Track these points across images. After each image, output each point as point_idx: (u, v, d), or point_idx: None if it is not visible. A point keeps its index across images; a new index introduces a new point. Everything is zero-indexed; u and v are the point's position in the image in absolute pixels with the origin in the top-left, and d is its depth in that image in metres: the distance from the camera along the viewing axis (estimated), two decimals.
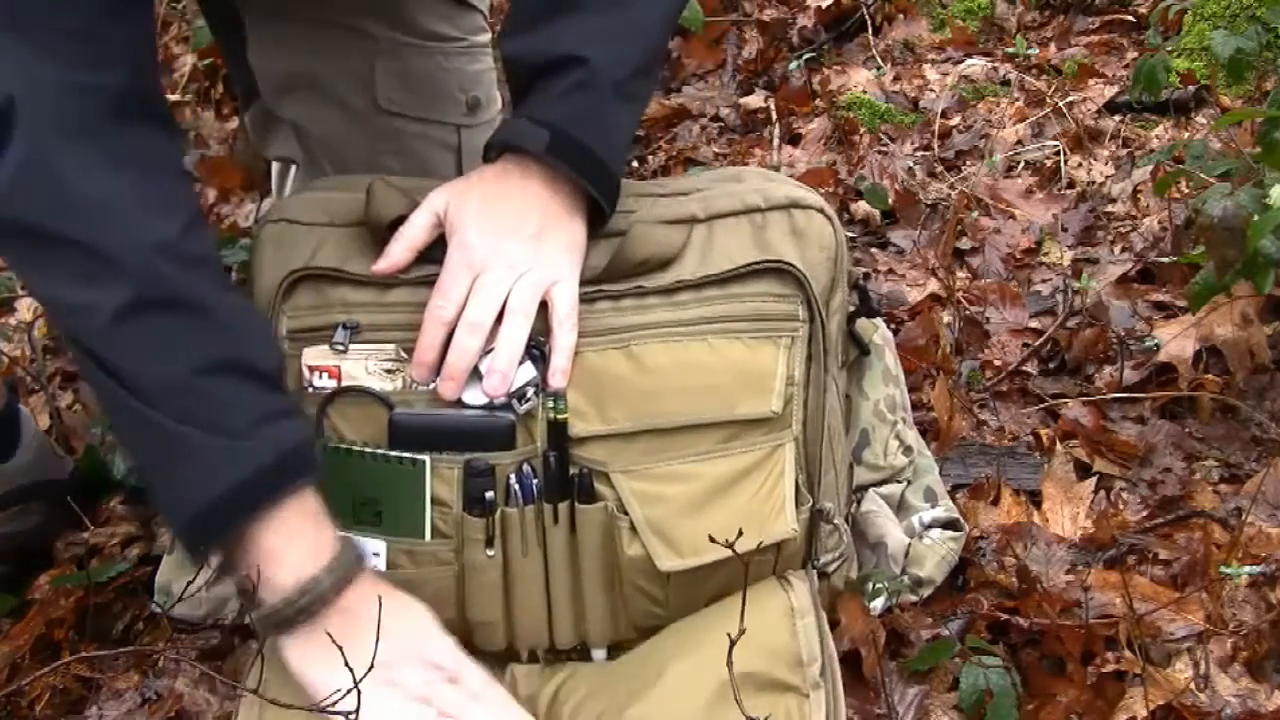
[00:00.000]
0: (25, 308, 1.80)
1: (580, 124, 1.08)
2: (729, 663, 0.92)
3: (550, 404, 1.07)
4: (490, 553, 1.08)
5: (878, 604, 1.17)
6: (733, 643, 0.92)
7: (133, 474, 1.40)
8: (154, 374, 0.96)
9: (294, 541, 1.00)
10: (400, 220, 1.10)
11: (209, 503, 0.98)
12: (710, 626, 1.07)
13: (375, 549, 1.09)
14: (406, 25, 1.34)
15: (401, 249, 1.08)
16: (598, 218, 1.12)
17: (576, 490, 1.08)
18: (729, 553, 1.01)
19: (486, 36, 1.42)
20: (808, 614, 1.06)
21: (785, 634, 1.04)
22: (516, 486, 1.08)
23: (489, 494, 1.07)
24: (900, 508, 1.25)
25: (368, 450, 1.08)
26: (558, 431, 1.08)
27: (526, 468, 1.08)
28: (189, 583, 1.18)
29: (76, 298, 0.95)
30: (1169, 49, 2.17)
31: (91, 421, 1.51)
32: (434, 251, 1.10)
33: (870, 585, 1.17)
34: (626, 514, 1.07)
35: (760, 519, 1.08)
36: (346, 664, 0.91)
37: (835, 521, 1.14)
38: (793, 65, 2.47)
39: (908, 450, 1.26)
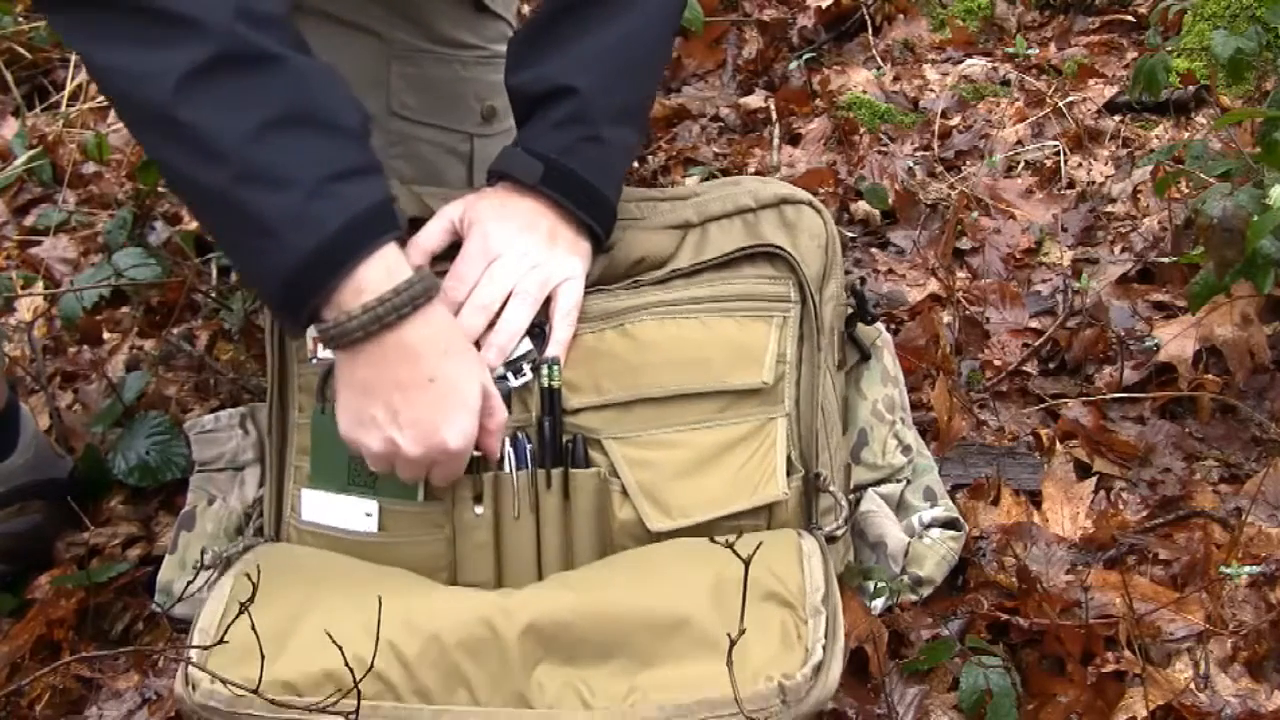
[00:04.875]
0: (25, 308, 1.80)
1: (573, 155, 1.12)
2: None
3: (545, 370, 1.10)
4: (479, 510, 1.09)
5: (878, 604, 1.17)
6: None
7: (133, 473, 1.40)
8: (223, 127, 0.95)
9: (366, 288, 0.99)
10: (411, 221, 1.12)
11: (283, 280, 0.98)
12: (711, 544, 1.07)
13: (368, 510, 1.10)
14: (425, 31, 1.34)
15: (417, 255, 1.12)
16: (596, 241, 1.15)
17: (570, 456, 1.10)
18: (718, 514, 1.02)
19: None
20: (815, 555, 1.07)
21: (793, 565, 1.05)
22: (511, 452, 1.10)
23: (477, 451, 1.08)
24: (899, 507, 1.25)
25: None
26: (551, 398, 1.10)
27: (521, 435, 1.10)
28: (189, 583, 1.18)
29: (146, 61, 0.95)
30: (1169, 49, 2.16)
31: (92, 421, 1.50)
32: (447, 253, 1.14)
33: (870, 585, 1.18)
34: (618, 478, 1.09)
35: (751, 483, 1.10)
36: (346, 664, 0.91)
37: (831, 490, 1.15)
38: (793, 65, 2.46)
39: (906, 450, 1.27)
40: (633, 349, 1.13)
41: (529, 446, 1.11)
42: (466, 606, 1.01)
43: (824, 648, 0.98)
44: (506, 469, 1.10)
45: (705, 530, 1.07)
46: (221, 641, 0.98)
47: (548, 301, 1.12)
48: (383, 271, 1.00)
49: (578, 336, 1.13)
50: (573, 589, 1.04)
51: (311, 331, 1.12)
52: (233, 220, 0.99)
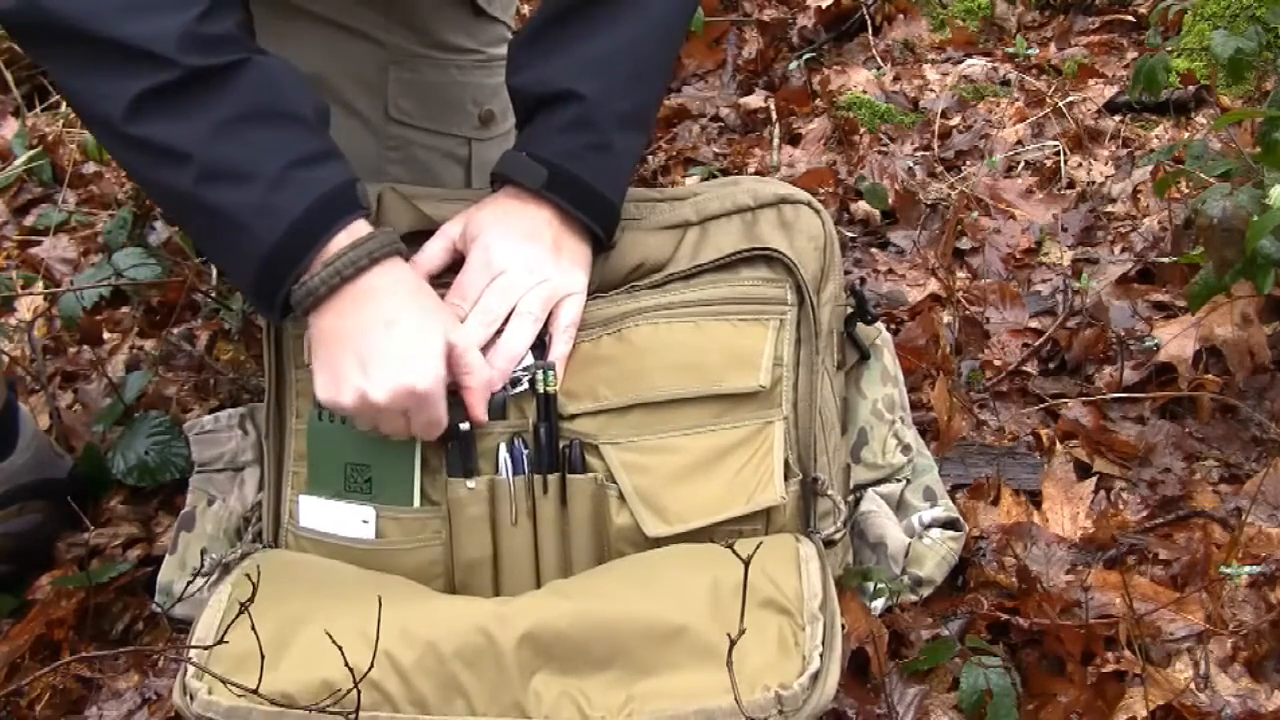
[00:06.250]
0: (25, 307, 1.80)
1: (577, 159, 1.12)
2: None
3: (540, 376, 1.09)
4: (471, 484, 1.09)
5: (878, 604, 1.17)
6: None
7: (133, 473, 1.40)
8: (179, 136, 0.99)
9: (331, 254, 1.03)
10: (409, 235, 1.12)
11: (256, 268, 1.02)
12: (710, 549, 1.07)
13: (365, 516, 1.10)
14: (423, 35, 1.34)
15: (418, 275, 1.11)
16: (598, 243, 1.15)
17: (566, 462, 1.10)
18: (715, 519, 1.03)
19: (505, 49, 1.42)
20: (813, 561, 1.07)
21: (791, 571, 1.05)
22: (507, 458, 1.10)
23: (464, 426, 1.09)
24: (899, 507, 1.25)
25: None
26: (547, 404, 1.10)
27: (517, 441, 1.10)
28: (189, 583, 1.18)
29: (100, 86, 1.00)
30: (1169, 49, 2.17)
31: (92, 420, 1.50)
32: (449, 272, 1.14)
33: (870, 585, 1.17)
34: (615, 483, 1.09)
35: (748, 488, 1.10)
36: (343, 657, 0.91)
37: (830, 494, 1.15)
38: (793, 65, 2.47)
39: (906, 449, 1.26)
40: (629, 354, 1.12)
41: (525, 453, 1.10)
42: (463, 615, 1.01)
43: (821, 656, 0.97)
44: (503, 475, 1.10)
45: (702, 536, 1.07)
46: (221, 642, 0.98)
47: (549, 314, 1.12)
48: (347, 238, 1.03)
49: (575, 345, 1.13)
50: (570, 597, 1.03)
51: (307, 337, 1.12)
52: (202, 218, 1.03)
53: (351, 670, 0.91)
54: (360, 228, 1.04)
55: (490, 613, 1.00)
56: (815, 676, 0.96)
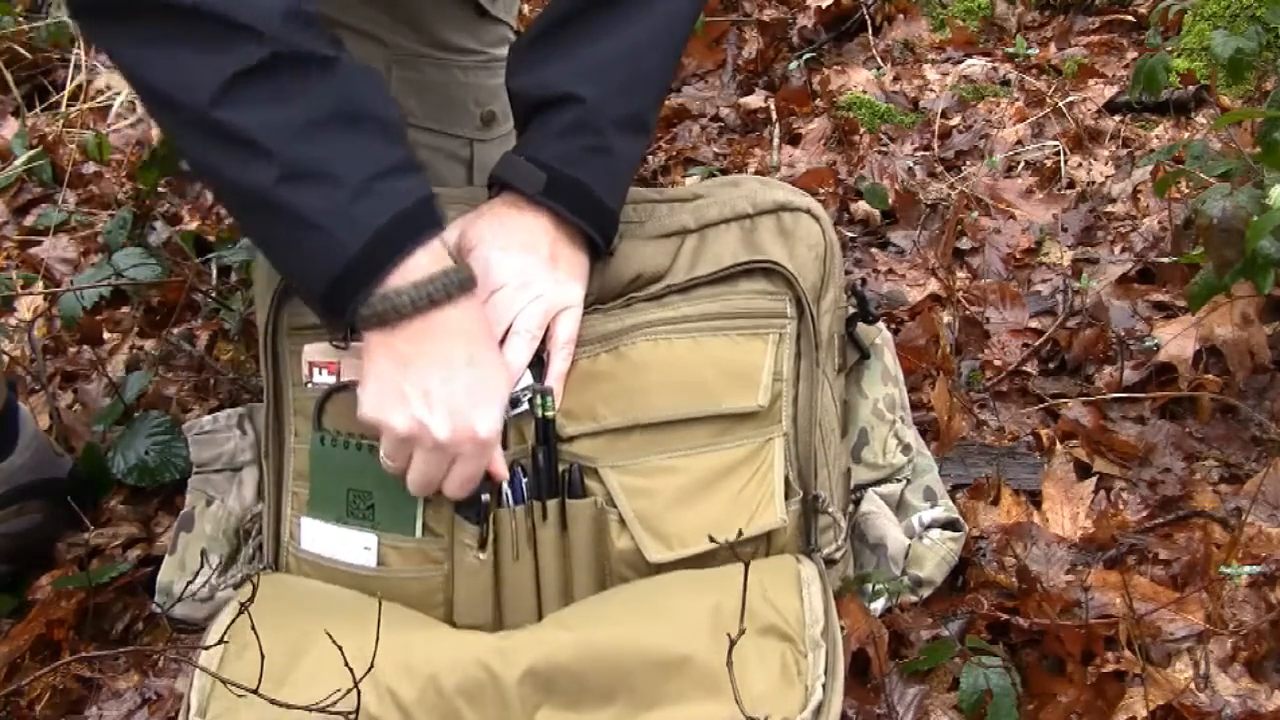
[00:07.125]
0: (25, 307, 1.80)
1: (577, 164, 1.10)
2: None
3: (539, 401, 1.09)
4: (482, 556, 1.09)
5: (878, 605, 1.17)
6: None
7: (133, 473, 1.40)
8: (269, 127, 0.95)
9: (414, 273, 0.99)
10: None
11: (334, 276, 0.97)
12: (711, 574, 1.07)
13: (367, 543, 1.10)
14: (426, 36, 1.33)
15: None
16: (596, 251, 1.14)
17: (566, 486, 1.09)
18: (717, 544, 1.01)
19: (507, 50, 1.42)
20: (814, 583, 1.06)
21: (792, 595, 1.04)
22: (507, 487, 1.09)
23: (484, 496, 1.08)
24: (899, 507, 1.25)
25: (364, 441, 1.09)
26: (545, 429, 1.09)
27: (517, 468, 1.10)
28: (189, 583, 1.18)
29: (194, 65, 0.94)
30: (1169, 49, 2.17)
31: (92, 420, 1.50)
32: None
33: (870, 586, 1.17)
34: (615, 507, 1.08)
35: (749, 510, 1.09)
36: (348, 666, 0.91)
37: (830, 511, 1.14)
38: (793, 65, 2.47)
39: (906, 449, 1.26)
40: (628, 371, 1.11)
41: (524, 481, 1.09)
42: (465, 648, 1.00)
43: (824, 686, 0.97)
44: (504, 506, 1.09)
45: (703, 560, 1.07)
46: (222, 642, 0.98)
47: (546, 330, 1.11)
48: (429, 258, 1.00)
49: (573, 362, 1.12)
50: (572, 629, 1.02)
51: (307, 355, 1.12)
52: (278, 220, 0.98)
53: (355, 680, 0.90)
54: (438, 249, 1.01)
55: (492, 647, 1.00)
56: (818, 710, 0.96)
